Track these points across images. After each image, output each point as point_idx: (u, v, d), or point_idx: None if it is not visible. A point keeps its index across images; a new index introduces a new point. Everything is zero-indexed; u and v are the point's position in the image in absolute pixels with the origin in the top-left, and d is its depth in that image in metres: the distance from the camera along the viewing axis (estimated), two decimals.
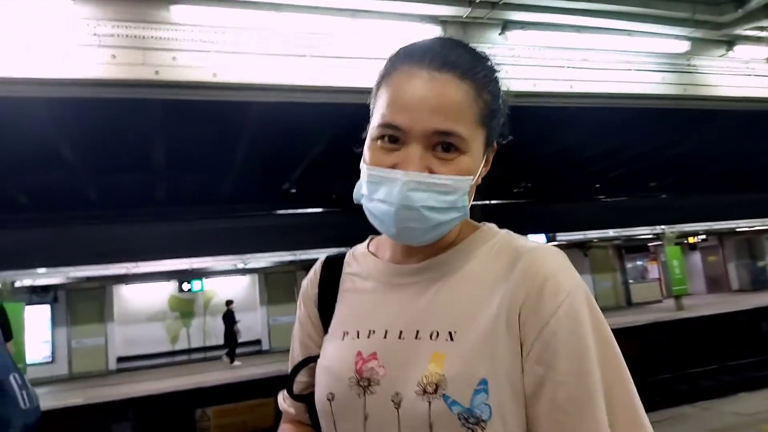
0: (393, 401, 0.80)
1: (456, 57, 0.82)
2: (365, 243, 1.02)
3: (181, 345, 15.13)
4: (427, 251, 0.89)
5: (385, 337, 0.85)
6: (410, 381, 0.79)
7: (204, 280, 15.41)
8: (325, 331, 0.97)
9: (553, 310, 0.77)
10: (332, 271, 1.01)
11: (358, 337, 0.89)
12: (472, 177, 0.83)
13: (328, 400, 0.87)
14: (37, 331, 13.31)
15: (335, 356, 0.90)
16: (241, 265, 14.08)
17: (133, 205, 11.05)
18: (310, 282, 1.04)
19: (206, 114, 6.30)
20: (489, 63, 0.87)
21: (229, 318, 13.38)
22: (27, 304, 12.40)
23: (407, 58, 0.84)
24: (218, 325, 15.40)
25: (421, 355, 0.80)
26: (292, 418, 1.04)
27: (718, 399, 6.97)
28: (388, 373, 0.82)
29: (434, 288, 0.86)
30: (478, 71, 0.83)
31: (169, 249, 11.63)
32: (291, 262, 14.48)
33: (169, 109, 5.97)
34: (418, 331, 0.83)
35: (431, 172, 0.80)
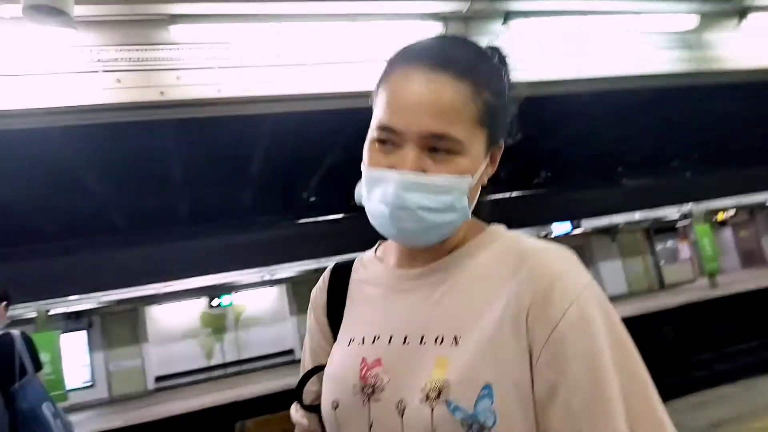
0: (397, 408, 0.78)
1: (454, 55, 0.81)
2: (373, 249, 1.02)
3: (216, 360, 15.28)
4: (431, 255, 0.88)
5: (389, 342, 0.84)
6: (414, 387, 0.77)
7: (233, 294, 15.55)
8: (335, 339, 0.96)
9: (561, 312, 0.74)
10: (340, 278, 1.01)
11: (363, 343, 0.88)
12: (470, 177, 0.81)
13: (333, 408, 0.86)
14: (76, 357, 13.58)
15: (340, 363, 0.89)
16: (267, 277, 14.19)
17: (157, 226, 11.20)
18: (318, 290, 1.04)
19: (218, 130, 6.36)
20: (494, 60, 0.86)
21: None
22: (63, 331, 12.67)
23: (404, 58, 0.83)
24: (251, 338, 15.54)
25: (425, 361, 0.79)
26: (305, 429, 1.03)
27: (759, 377, 6.81)
28: (392, 379, 0.81)
29: (438, 292, 0.84)
30: (478, 69, 0.82)
31: (196, 266, 11.76)
32: (316, 270, 14.53)
33: (180, 127, 6.05)
34: (422, 336, 0.81)
35: (426, 173, 0.79)
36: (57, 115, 3.39)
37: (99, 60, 3.37)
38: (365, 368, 0.84)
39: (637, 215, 16.27)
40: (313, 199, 11.65)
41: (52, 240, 10.30)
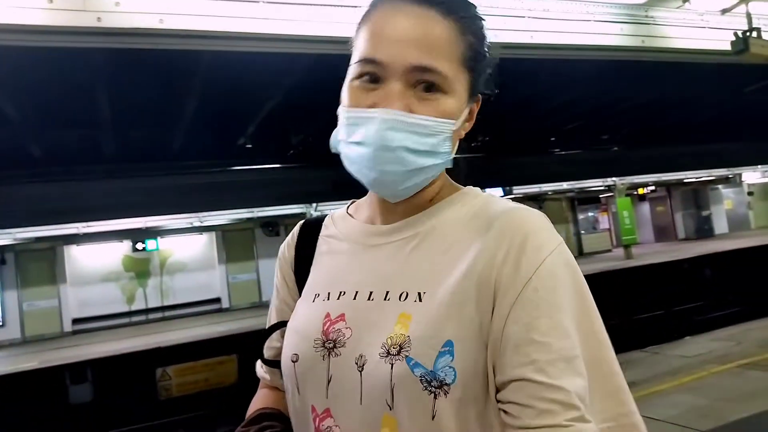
0: (356, 363, 0.77)
1: None
2: (345, 206, 0.99)
3: (138, 305, 14.89)
4: (404, 212, 0.86)
5: (354, 298, 0.83)
6: (375, 343, 0.76)
7: (159, 239, 15.07)
8: (301, 294, 0.94)
9: (535, 266, 0.73)
10: (310, 234, 0.99)
11: (328, 298, 0.86)
12: (454, 121, 0.80)
13: (293, 361, 0.84)
14: None
15: (303, 318, 0.88)
16: (197, 223, 13.83)
17: (81, 162, 10.59)
18: (287, 245, 1.02)
19: (154, 64, 5.99)
20: (474, 7, 0.85)
21: None
22: None
23: None
24: (176, 285, 15.20)
25: (388, 317, 0.77)
26: (268, 384, 1.03)
27: (665, 344, 7.34)
28: (354, 334, 0.79)
29: (408, 248, 0.83)
30: (463, 10, 0.81)
31: (121, 207, 11.26)
32: (249, 220, 14.30)
33: (113, 58, 5.66)
34: (387, 292, 0.80)
35: (411, 112, 0.76)
36: None
37: None
38: (328, 323, 0.82)
39: (564, 185, 16.89)
40: (249, 146, 11.33)
41: None
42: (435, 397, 0.72)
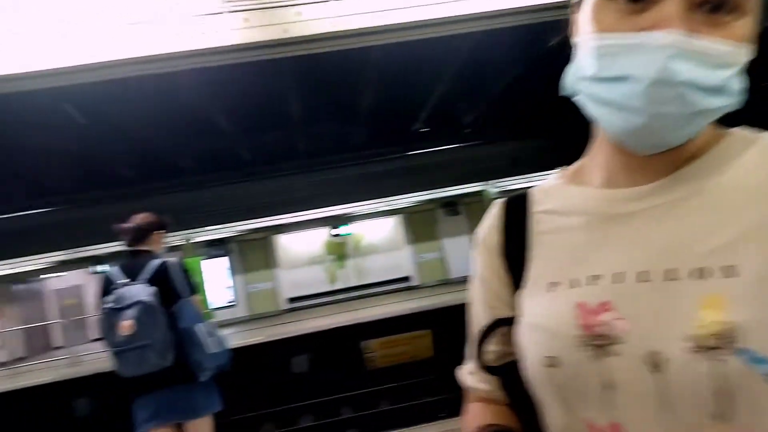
0: (648, 363, 0.60)
1: None
2: (553, 176, 0.82)
3: (339, 285, 16.30)
4: (660, 168, 0.67)
5: (618, 281, 0.66)
6: (672, 335, 0.59)
7: (352, 224, 16.31)
8: (517, 285, 0.78)
9: None
10: (516, 212, 0.81)
11: (574, 285, 0.69)
12: (750, 48, 0.61)
13: (550, 366, 0.68)
14: (220, 280, 15.13)
15: (546, 312, 0.71)
16: (383, 208, 14.65)
17: (281, 160, 11.91)
18: (488, 229, 0.85)
19: (332, 64, 6.54)
20: None
21: None
22: (206, 258, 14.09)
23: None
24: (369, 265, 16.35)
25: (681, 300, 0.60)
26: (481, 396, 0.86)
27: None
28: (633, 327, 0.62)
29: (681, 211, 0.65)
30: None
31: (318, 198, 12.47)
32: (430, 201, 14.79)
33: (298, 64, 6.31)
34: (672, 270, 0.62)
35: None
36: (192, 57, 3.68)
37: (227, 1, 3.61)
38: (587, 315, 0.66)
39: None
40: (424, 130, 11.73)
41: (189, 174, 11.32)
42: None
